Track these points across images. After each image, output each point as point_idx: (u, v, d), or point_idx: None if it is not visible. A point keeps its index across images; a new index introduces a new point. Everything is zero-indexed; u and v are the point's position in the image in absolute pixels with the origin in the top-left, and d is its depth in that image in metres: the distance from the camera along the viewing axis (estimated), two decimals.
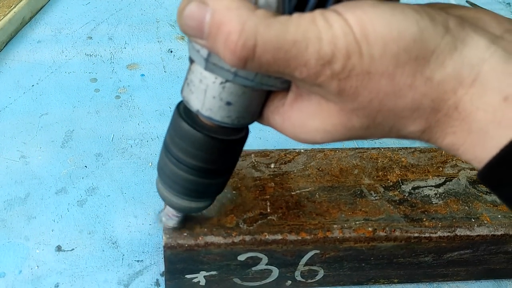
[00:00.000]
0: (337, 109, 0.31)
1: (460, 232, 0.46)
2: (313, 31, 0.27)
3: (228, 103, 0.34)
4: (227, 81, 0.33)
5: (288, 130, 0.35)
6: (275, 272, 0.47)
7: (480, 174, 0.29)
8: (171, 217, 0.43)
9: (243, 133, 0.38)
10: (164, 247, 0.43)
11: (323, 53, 0.27)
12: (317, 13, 0.28)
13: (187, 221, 0.44)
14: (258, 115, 0.36)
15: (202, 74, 0.33)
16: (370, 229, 0.45)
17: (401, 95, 0.29)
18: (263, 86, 0.33)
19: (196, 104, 0.34)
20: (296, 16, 0.28)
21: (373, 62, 0.28)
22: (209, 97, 0.34)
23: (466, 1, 0.87)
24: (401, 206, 0.47)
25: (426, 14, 0.28)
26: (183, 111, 0.37)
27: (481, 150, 0.29)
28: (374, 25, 0.27)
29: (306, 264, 0.47)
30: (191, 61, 0.34)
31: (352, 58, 0.28)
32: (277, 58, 0.28)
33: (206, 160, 0.37)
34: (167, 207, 0.42)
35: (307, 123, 0.33)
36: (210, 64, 0.32)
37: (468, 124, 0.29)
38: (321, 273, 0.48)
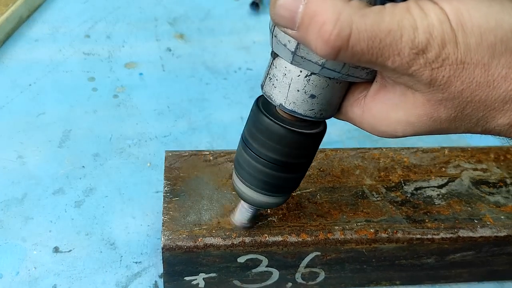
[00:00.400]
0: (424, 100, 0.31)
1: (462, 233, 0.45)
2: (408, 20, 0.28)
3: (312, 96, 0.34)
4: (312, 73, 0.33)
5: (367, 122, 0.35)
6: (276, 274, 0.47)
7: None
8: (244, 215, 0.43)
9: (322, 126, 0.38)
10: (162, 248, 0.43)
11: (417, 42, 0.28)
12: (412, 2, 0.28)
13: (186, 222, 0.44)
14: (338, 109, 0.36)
15: (286, 68, 0.34)
16: (371, 230, 0.44)
17: (495, 86, 0.29)
18: (348, 77, 0.33)
19: (279, 98, 0.35)
20: (390, 5, 0.28)
21: (469, 52, 0.28)
22: (293, 90, 0.34)
23: None
24: (403, 207, 0.47)
25: None
26: (262, 106, 0.37)
27: None
28: (471, 14, 0.28)
29: (307, 266, 0.46)
30: (274, 55, 0.35)
31: (447, 46, 0.28)
32: (371, 47, 0.28)
33: (286, 154, 0.37)
34: (242, 204, 0.42)
35: (390, 115, 0.33)
36: (297, 57, 0.32)
37: None
38: (322, 275, 0.48)
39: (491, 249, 0.47)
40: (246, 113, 0.59)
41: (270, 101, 0.36)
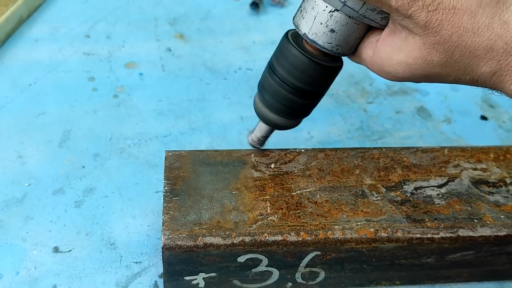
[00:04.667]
0: (420, 44, 0.36)
1: (462, 233, 0.45)
2: None
3: (332, 31, 0.40)
4: (335, 10, 0.39)
5: (376, 63, 0.40)
6: (276, 274, 0.47)
7: None
8: (260, 134, 0.49)
9: (339, 63, 0.44)
10: (162, 248, 0.43)
11: None
12: None
13: (186, 222, 0.44)
14: (354, 50, 0.42)
15: (315, 2, 0.40)
16: (371, 230, 0.44)
17: (479, 34, 0.33)
18: (365, 19, 0.39)
19: (305, 28, 0.41)
20: None
21: None
22: (317, 23, 0.40)
23: None
24: (403, 207, 0.47)
25: None
26: (291, 37, 0.43)
27: None
28: None
29: (307, 266, 0.46)
30: None
31: None
32: None
33: (305, 82, 0.43)
34: (259, 125, 0.48)
35: (393, 57, 0.38)
36: None
37: None
38: (322, 275, 0.48)
39: (491, 249, 0.47)
40: (246, 113, 0.60)
41: (297, 30, 0.42)
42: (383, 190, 0.48)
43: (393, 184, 0.49)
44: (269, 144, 0.51)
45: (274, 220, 0.45)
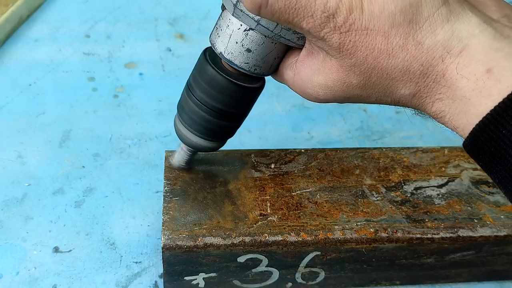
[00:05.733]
0: (337, 66, 0.34)
1: (462, 233, 0.45)
2: None
3: (248, 50, 0.38)
4: (250, 29, 0.37)
5: (297, 85, 0.38)
6: (275, 274, 0.47)
7: (464, 144, 0.32)
8: (182, 156, 0.46)
9: (259, 83, 0.42)
10: (162, 248, 0.43)
11: (328, 6, 0.31)
12: None
13: (186, 222, 0.44)
14: (274, 70, 0.40)
15: (230, 20, 0.38)
16: (371, 230, 0.44)
17: (394, 55, 0.32)
18: (281, 38, 0.37)
19: (220, 47, 0.39)
20: None
21: (372, 19, 0.31)
22: (232, 41, 0.38)
23: None
24: (403, 207, 0.47)
25: None
26: (208, 56, 0.41)
27: (464, 117, 0.31)
28: None
29: (307, 266, 0.46)
30: (223, 8, 0.39)
31: (354, 12, 0.31)
32: (288, 7, 0.32)
33: (225, 103, 0.41)
34: (180, 146, 0.46)
35: (313, 79, 0.36)
36: (237, 10, 0.37)
37: (453, 91, 0.32)
38: (322, 275, 0.48)
39: (491, 249, 0.47)
40: None
41: (214, 49, 0.40)
42: (383, 190, 0.48)
43: (393, 184, 0.49)
44: (269, 144, 0.51)
45: (274, 220, 0.45)
